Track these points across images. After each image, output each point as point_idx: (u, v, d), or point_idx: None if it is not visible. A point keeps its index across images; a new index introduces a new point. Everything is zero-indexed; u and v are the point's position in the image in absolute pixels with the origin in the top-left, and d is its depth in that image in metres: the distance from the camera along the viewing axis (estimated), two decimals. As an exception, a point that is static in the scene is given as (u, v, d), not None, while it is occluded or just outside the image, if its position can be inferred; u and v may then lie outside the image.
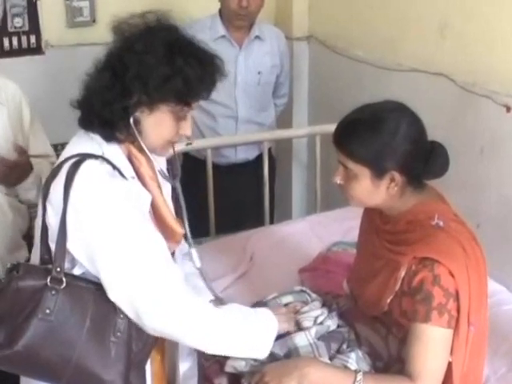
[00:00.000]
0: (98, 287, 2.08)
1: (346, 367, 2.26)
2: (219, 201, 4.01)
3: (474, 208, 3.43)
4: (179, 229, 2.31)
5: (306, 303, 2.58)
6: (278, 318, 2.32)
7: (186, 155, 4.03)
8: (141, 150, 2.18)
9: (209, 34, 3.97)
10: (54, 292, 2.02)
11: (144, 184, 2.21)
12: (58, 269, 2.05)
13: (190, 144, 3.78)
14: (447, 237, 2.15)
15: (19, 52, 4.33)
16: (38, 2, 4.30)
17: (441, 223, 2.18)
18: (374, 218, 2.38)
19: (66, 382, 2.05)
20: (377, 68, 4.09)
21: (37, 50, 4.37)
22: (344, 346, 2.36)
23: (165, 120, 2.12)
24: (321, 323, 2.41)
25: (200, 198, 3.84)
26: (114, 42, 2.13)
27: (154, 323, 2.08)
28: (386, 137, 2.17)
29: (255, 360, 2.32)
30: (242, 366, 2.32)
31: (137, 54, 2.05)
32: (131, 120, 2.09)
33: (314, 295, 2.64)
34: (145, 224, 2.11)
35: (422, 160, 2.21)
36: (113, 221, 2.05)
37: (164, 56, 2.04)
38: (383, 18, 4.02)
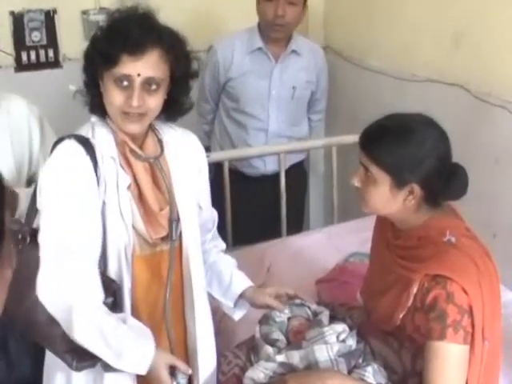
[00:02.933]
0: None
1: (363, 381, 2.27)
2: (250, 211, 4.04)
3: (490, 218, 3.43)
4: (156, 208, 2.35)
5: (307, 319, 2.59)
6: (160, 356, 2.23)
7: (219, 166, 4.06)
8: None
9: (246, 45, 4.02)
10: (20, 247, 2.23)
11: (124, 166, 2.30)
12: (26, 228, 2.25)
13: (208, 156, 3.81)
14: (459, 253, 2.15)
15: (37, 66, 4.38)
16: (56, 16, 4.35)
17: (452, 239, 2.18)
18: (385, 232, 2.39)
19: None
20: (392, 78, 4.11)
21: (55, 63, 4.43)
22: (360, 360, 2.36)
23: (108, 86, 2.21)
24: (343, 341, 2.42)
25: (232, 207, 3.91)
26: None
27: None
28: (413, 148, 2.18)
29: (274, 372, 2.34)
30: (260, 378, 2.33)
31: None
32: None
33: (313, 306, 2.66)
34: (79, 206, 2.20)
35: (444, 179, 2.20)
36: (50, 195, 2.21)
37: (101, 32, 2.23)
38: (398, 29, 4.04)
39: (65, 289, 2.16)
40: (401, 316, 2.22)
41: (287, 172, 4.14)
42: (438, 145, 2.22)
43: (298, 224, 4.37)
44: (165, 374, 2.19)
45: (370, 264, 2.62)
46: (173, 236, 2.37)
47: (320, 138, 4.69)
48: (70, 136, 2.25)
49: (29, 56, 4.35)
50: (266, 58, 4.05)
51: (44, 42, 4.37)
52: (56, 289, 2.15)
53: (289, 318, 2.60)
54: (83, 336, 2.15)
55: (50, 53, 4.40)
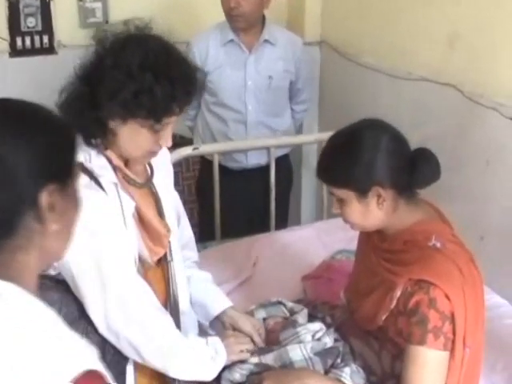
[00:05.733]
0: (69, 288, 2.15)
1: (340, 382, 2.26)
2: (232, 205, 4.04)
3: (478, 220, 3.42)
4: (163, 230, 2.36)
5: (284, 318, 2.59)
6: (228, 349, 2.36)
7: (203, 159, 4.06)
8: (121, 156, 2.23)
9: (219, 38, 4.02)
10: None
11: (127, 190, 2.25)
12: None
13: (197, 149, 3.81)
14: (444, 258, 2.14)
15: (32, 52, 4.39)
16: (52, 3, 4.36)
17: (438, 244, 2.17)
18: (371, 234, 2.38)
19: None
20: (387, 76, 4.09)
21: (49, 49, 4.44)
22: (338, 361, 2.36)
23: (140, 132, 2.13)
24: (318, 339, 2.42)
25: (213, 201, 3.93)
26: (95, 51, 2.16)
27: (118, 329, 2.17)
28: (359, 155, 2.17)
29: (251, 371, 2.35)
30: (236, 379, 2.34)
31: (109, 68, 2.06)
32: (108, 129, 2.15)
33: (290, 304, 2.67)
34: (108, 236, 2.16)
35: (406, 170, 2.18)
36: (77, 234, 2.09)
37: (135, 71, 2.05)
38: (394, 27, 4.02)
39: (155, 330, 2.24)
40: (383, 317, 2.21)
41: (269, 166, 4.17)
42: (387, 142, 2.18)
43: (282, 219, 4.35)
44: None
45: (355, 264, 2.61)
46: (172, 256, 2.43)
47: (312, 133, 4.68)
48: None
49: (24, 42, 4.36)
50: (238, 49, 4.05)
51: (39, 28, 4.38)
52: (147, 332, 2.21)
53: (264, 319, 2.60)
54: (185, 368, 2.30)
55: (45, 39, 4.41)
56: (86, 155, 2.16)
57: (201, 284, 2.65)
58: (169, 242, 2.41)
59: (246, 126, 4.13)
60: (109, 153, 2.20)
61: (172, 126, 2.17)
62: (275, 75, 4.12)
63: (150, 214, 2.33)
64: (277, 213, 4.17)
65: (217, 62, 4.03)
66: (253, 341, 2.49)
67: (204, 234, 4.06)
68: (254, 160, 4.19)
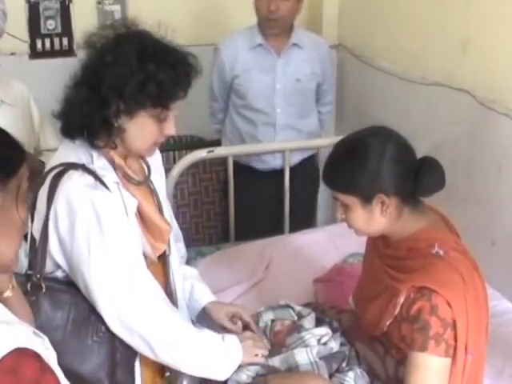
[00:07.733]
0: (78, 289, 2.19)
1: None
2: (262, 205, 4.07)
3: (490, 225, 3.42)
4: (165, 226, 2.41)
5: (293, 321, 2.61)
6: (244, 350, 2.37)
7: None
8: (121, 155, 2.28)
9: (248, 43, 4.07)
10: (34, 298, 2.11)
11: (128, 188, 2.29)
12: (38, 275, 2.15)
13: (212, 151, 3.84)
14: (446, 266, 2.15)
15: (51, 54, 4.45)
16: (71, 5, 4.41)
17: (441, 252, 2.18)
18: (376, 240, 2.40)
19: None
20: (401, 80, 4.11)
21: (69, 51, 4.49)
22: (343, 365, 2.38)
23: (147, 124, 2.19)
24: (324, 343, 2.44)
25: (244, 202, 4.00)
26: (87, 55, 2.20)
27: (132, 326, 2.20)
28: (364, 162, 2.19)
29: (257, 373, 2.37)
30: (243, 379, 2.36)
31: (109, 65, 2.11)
32: (114, 128, 2.18)
33: (298, 308, 2.68)
34: (119, 234, 2.21)
35: (411, 179, 2.19)
36: (88, 234, 2.15)
37: (135, 64, 2.10)
38: (408, 31, 4.04)
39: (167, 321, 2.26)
40: (388, 323, 2.22)
41: (297, 167, 4.21)
42: (392, 150, 2.20)
43: (308, 221, 4.38)
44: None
45: (362, 269, 2.63)
46: (170, 250, 2.47)
47: (328, 136, 4.69)
48: (74, 167, 2.18)
49: (43, 44, 4.42)
50: (267, 54, 4.10)
51: (59, 31, 4.43)
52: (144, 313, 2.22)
53: (272, 321, 2.62)
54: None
55: (65, 41, 4.48)
56: (88, 157, 2.23)
57: (188, 281, 2.66)
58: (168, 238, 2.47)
59: (274, 128, 4.18)
60: (111, 153, 2.25)
61: (173, 115, 2.24)
62: (303, 78, 4.17)
63: (152, 210, 2.38)
64: (304, 215, 4.28)
65: (246, 66, 4.08)
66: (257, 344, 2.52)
67: (222, 235, 4.11)
68: (281, 161, 4.18)
